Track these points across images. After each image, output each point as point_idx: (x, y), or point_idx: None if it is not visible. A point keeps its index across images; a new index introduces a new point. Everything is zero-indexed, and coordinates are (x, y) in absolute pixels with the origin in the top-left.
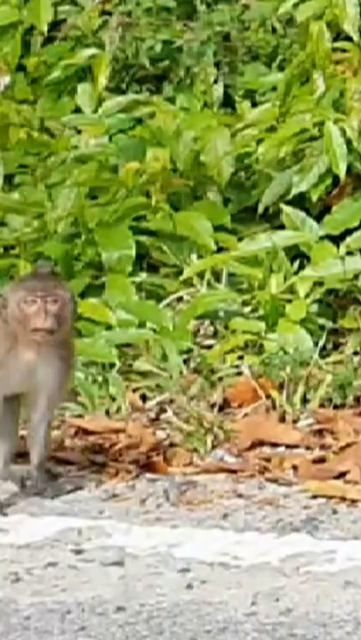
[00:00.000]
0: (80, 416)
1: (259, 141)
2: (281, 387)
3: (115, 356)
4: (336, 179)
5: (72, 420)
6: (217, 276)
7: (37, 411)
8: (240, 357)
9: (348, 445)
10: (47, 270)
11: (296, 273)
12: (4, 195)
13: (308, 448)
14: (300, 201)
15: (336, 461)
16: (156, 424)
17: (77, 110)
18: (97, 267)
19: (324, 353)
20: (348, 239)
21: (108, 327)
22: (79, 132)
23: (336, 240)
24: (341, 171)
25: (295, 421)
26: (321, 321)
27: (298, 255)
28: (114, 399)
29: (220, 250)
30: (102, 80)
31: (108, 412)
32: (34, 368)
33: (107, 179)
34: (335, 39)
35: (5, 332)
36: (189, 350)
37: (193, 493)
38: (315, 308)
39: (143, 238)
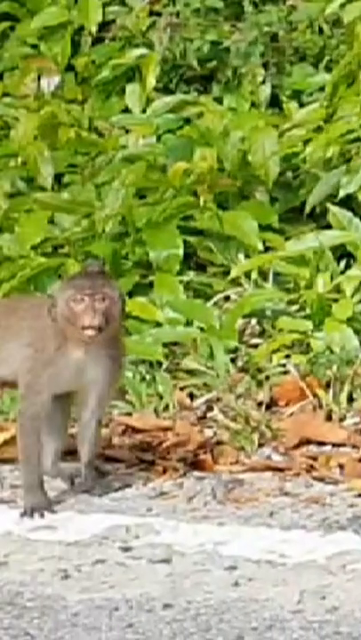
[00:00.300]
0: (128, 414)
1: (306, 142)
2: (327, 385)
3: (162, 354)
4: None
5: (120, 418)
6: (264, 275)
7: (87, 409)
8: (287, 356)
9: None
10: (96, 269)
11: (343, 272)
12: (53, 194)
13: (354, 447)
14: (347, 200)
15: None
16: (203, 422)
17: (126, 110)
18: (145, 266)
19: None
20: None
21: (156, 325)
22: (128, 131)
23: None
24: None
25: (341, 420)
26: None
27: (344, 255)
28: (161, 397)
29: (267, 249)
30: (151, 80)
31: (155, 411)
32: (83, 367)
33: (155, 180)
34: None
35: (55, 330)
36: (236, 349)
37: (240, 491)
38: None
39: (191, 238)
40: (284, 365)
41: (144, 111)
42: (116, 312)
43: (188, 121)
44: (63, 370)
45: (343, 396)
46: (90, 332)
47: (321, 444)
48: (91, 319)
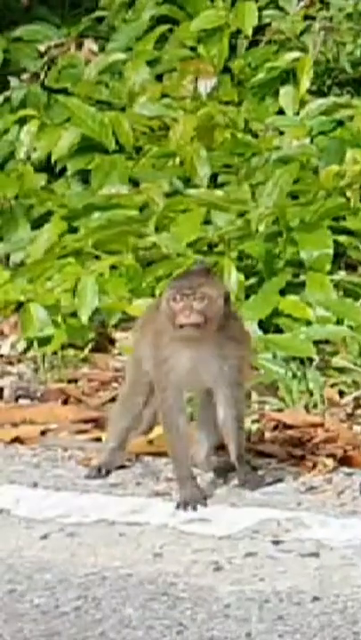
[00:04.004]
0: (280, 410)
1: None
2: None
3: (313, 351)
4: None
5: (272, 414)
6: None
7: (220, 407)
8: None
9: None
10: (199, 268)
11: None
12: (208, 191)
13: None
14: None
15: None
16: (352, 419)
17: (280, 112)
18: (297, 265)
19: None
20: None
21: (307, 324)
22: (282, 133)
23: None
24: None
25: None
26: None
27: None
28: (312, 394)
29: None
30: (305, 83)
31: (306, 407)
32: (195, 365)
33: (308, 182)
34: None
35: (166, 327)
36: None
37: None
38: None
39: (341, 238)
40: None
41: (298, 113)
42: (216, 310)
43: (340, 123)
44: (177, 368)
45: None
46: (186, 331)
47: None
48: (186, 318)
